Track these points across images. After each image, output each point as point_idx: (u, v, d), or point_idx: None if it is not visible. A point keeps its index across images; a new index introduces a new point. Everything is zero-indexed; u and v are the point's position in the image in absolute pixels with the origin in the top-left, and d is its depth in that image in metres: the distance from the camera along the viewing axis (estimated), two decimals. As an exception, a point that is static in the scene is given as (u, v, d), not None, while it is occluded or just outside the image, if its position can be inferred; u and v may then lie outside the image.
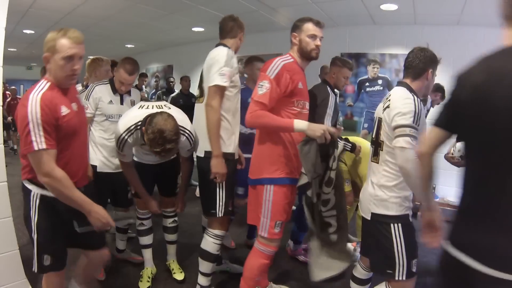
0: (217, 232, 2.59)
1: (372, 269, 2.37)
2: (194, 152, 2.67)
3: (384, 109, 2.13)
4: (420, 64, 2.12)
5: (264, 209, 2.32)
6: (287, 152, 2.31)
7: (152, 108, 2.54)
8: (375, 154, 2.19)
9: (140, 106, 2.59)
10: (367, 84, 5.94)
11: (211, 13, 5.66)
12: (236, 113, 2.59)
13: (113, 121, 2.82)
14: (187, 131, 2.53)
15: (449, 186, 5.26)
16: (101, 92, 2.84)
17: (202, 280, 2.67)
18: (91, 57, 3.43)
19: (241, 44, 2.71)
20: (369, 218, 2.16)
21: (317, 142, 2.15)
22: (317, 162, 2.16)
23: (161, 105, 2.62)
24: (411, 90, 2.09)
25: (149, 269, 2.98)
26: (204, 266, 2.64)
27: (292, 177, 2.35)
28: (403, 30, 5.58)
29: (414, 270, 2.07)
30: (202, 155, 2.56)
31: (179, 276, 3.01)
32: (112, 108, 2.87)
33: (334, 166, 2.27)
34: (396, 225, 2.05)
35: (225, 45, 2.56)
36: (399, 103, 2.01)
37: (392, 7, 4.91)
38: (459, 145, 3.12)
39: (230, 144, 2.54)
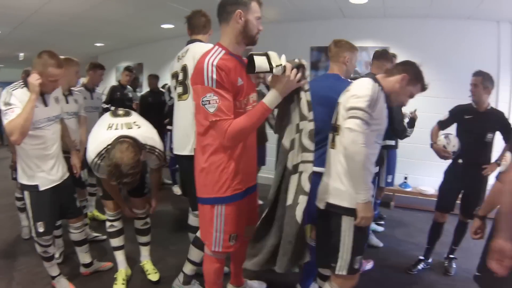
0: None
1: (317, 263, 2.33)
2: (175, 151, 2.64)
3: (344, 93, 2.12)
4: None
5: (216, 224, 2.10)
6: (229, 166, 2.03)
7: (122, 128, 2.52)
8: (333, 140, 2.13)
9: (108, 126, 2.54)
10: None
11: (180, 10, 5.58)
12: None
13: (41, 127, 2.50)
14: (157, 150, 2.58)
15: (421, 176, 5.39)
16: (21, 98, 2.37)
17: (188, 268, 2.68)
18: (62, 57, 3.36)
19: None
20: (323, 208, 2.11)
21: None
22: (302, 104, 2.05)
23: (130, 124, 2.58)
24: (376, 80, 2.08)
25: (123, 271, 2.93)
26: (195, 254, 2.63)
27: (241, 191, 2.10)
28: (372, 23, 5.62)
29: (356, 267, 2.02)
30: (186, 153, 2.53)
31: (154, 277, 2.97)
32: (38, 112, 2.45)
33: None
34: (348, 218, 1.98)
35: (201, 41, 2.57)
36: (357, 86, 2.03)
37: (362, 0, 4.94)
38: (454, 139, 3.17)
39: None
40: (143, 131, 2.58)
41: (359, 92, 1.95)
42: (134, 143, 2.34)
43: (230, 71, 1.91)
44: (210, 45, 2.31)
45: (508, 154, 2.03)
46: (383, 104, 2.01)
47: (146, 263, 3.07)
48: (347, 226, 1.98)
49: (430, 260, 3.51)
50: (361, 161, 1.86)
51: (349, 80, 2.55)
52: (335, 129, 2.10)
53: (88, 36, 7.89)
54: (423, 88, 2.15)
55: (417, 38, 5.30)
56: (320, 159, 2.30)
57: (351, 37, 5.88)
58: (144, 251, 3.10)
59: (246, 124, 1.92)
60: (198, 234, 2.58)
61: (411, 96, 2.14)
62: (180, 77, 2.52)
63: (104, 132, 2.49)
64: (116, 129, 2.50)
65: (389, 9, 5.29)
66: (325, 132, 2.29)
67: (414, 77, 2.09)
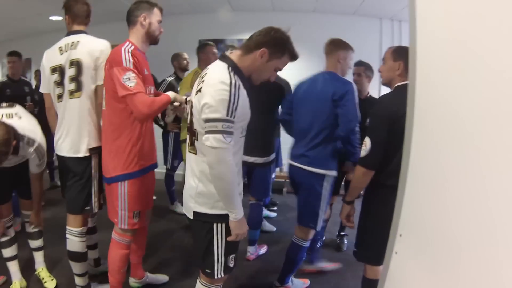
0: (81, 229, 2.60)
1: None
2: (64, 153, 2.51)
3: (197, 92, 1.74)
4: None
5: (121, 203, 2.36)
6: (137, 143, 2.30)
7: (1, 117, 2.42)
8: (192, 144, 1.83)
9: None
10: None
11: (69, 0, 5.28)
12: None
13: None
14: (37, 143, 2.48)
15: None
16: None
17: (79, 280, 2.65)
18: None
19: None
20: (191, 217, 1.87)
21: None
22: None
23: (11, 114, 2.51)
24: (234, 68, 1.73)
25: (18, 283, 2.78)
26: (77, 267, 2.61)
27: (145, 166, 2.40)
28: (261, 17, 5.74)
29: (231, 265, 1.92)
30: (81, 154, 2.47)
31: (50, 284, 2.86)
32: None
33: None
34: (219, 224, 1.80)
35: (86, 33, 2.49)
36: (209, 89, 1.65)
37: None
38: None
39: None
40: (24, 122, 2.52)
41: (211, 100, 1.60)
42: (9, 125, 2.25)
43: (140, 61, 2.23)
44: (104, 40, 2.47)
45: (367, 139, 2.09)
46: (244, 95, 1.70)
47: (42, 271, 2.94)
48: (219, 230, 1.81)
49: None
50: (230, 179, 1.65)
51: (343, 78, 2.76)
52: (193, 133, 1.79)
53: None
54: (293, 57, 1.78)
55: (305, 32, 5.56)
56: (316, 159, 2.64)
57: (240, 30, 6.03)
58: (38, 257, 2.96)
59: (160, 103, 2.20)
60: (70, 247, 2.60)
61: (278, 70, 1.81)
62: (72, 72, 2.38)
63: None
64: None
65: (277, 3, 5.56)
66: (314, 131, 2.64)
67: (276, 49, 1.72)
